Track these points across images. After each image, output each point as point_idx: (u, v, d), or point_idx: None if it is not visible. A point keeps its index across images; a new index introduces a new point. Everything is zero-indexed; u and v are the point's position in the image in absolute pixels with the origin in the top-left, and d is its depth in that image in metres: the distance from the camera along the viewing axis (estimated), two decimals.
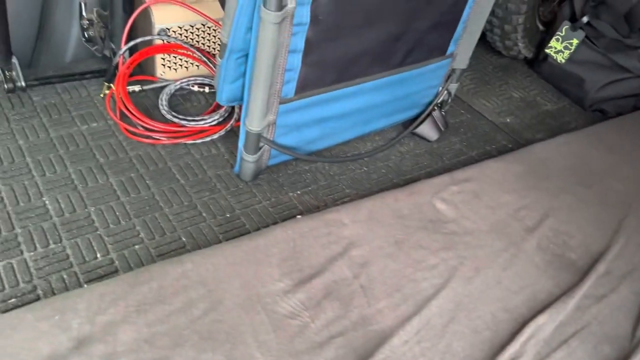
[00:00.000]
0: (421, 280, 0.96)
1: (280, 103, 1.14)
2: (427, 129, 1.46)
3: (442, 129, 1.47)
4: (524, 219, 1.12)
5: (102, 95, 1.38)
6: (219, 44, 1.47)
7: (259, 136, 1.16)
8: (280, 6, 0.95)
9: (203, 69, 1.48)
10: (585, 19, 1.58)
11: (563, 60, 1.66)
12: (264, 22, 0.96)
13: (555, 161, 1.29)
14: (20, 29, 1.51)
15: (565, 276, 1.03)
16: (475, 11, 1.33)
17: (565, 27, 1.63)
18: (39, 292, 0.93)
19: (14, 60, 1.31)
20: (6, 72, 1.30)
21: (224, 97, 1.12)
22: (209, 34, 1.44)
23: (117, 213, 1.10)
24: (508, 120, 1.61)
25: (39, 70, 1.43)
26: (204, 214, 1.14)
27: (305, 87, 1.15)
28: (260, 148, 1.19)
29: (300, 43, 1.06)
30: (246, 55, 1.06)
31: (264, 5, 0.94)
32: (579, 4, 1.62)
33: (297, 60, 1.09)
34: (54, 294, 0.93)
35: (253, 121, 1.11)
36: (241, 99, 1.15)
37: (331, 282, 0.93)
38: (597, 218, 1.16)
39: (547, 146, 1.34)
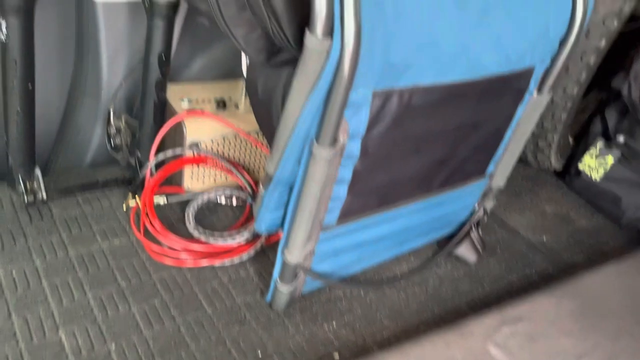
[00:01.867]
0: None
1: (322, 231, 1.07)
2: (465, 251, 1.38)
3: (481, 250, 1.40)
4: None
5: (125, 208, 1.31)
6: (263, 174, 1.43)
7: (297, 266, 1.07)
8: (334, 143, 0.90)
9: (230, 179, 1.42)
10: (621, 139, 1.55)
11: (597, 178, 1.62)
12: (316, 157, 0.90)
13: (609, 296, 1.21)
14: (41, 129, 1.46)
15: None
16: (516, 133, 1.30)
17: (599, 143, 1.60)
18: None
19: (37, 171, 1.25)
20: (27, 183, 1.24)
21: (263, 226, 1.05)
22: (239, 145, 1.39)
23: (140, 351, 1.00)
24: (544, 238, 1.54)
25: (61, 179, 1.36)
26: (233, 352, 1.04)
27: (347, 214, 1.09)
28: (295, 277, 1.10)
29: (347, 174, 1.01)
30: (291, 187, 1.00)
31: (317, 141, 0.89)
32: (612, 122, 1.60)
33: (342, 190, 1.03)
34: None
35: (294, 252, 1.04)
36: (280, 226, 1.07)
37: None
38: None
39: (597, 277, 1.27)
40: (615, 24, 1.31)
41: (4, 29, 1.05)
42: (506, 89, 1.15)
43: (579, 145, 1.74)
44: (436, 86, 0.99)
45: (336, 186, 1.00)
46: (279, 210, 1.04)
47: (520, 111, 1.25)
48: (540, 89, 1.24)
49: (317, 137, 0.89)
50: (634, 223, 1.61)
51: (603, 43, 1.34)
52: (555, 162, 1.70)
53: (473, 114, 1.12)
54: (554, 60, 1.19)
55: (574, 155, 1.74)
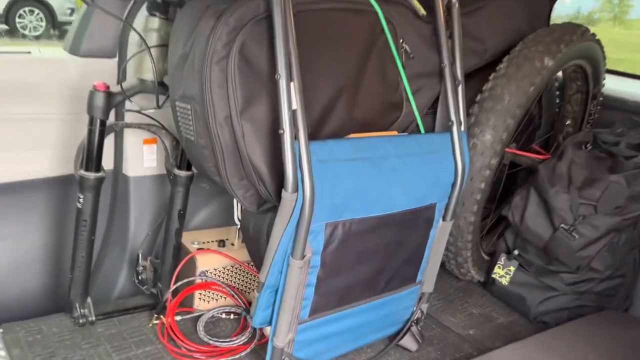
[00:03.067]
0: None
1: (298, 323, 1.53)
2: (408, 342, 1.83)
3: (420, 341, 1.85)
4: None
5: (151, 325, 1.75)
6: (256, 282, 1.91)
7: (282, 351, 1.51)
8: (302, 256, 1.41)
9: (229, 300, 1.88)
10: (516, 252, 2.10)
11: (506, 283, 2.13)
12: (292, 267, 1.41)
13: None
14: None
15: None
16: (433, 250, 1.83)
17: (503, 257, 2.14)
18: None
19: (89, 300, 1.71)
20: (81, 310, 1.68)
21: (257, 321, 1.51)
22: (236, 273, 1.88)
23: None
24: (471, 332, 2.00)
25: (101, 307, 1.80)
26: None
27: (315, 310, 1.56)
28: None
29: (313, 279, 1.50)
30: (276, 290, 1.48)
31: (292, 256, 1.41)
32: (510, 241, 2.16)
33: (310, 291, 1.51)
34: None
35: (279, 339, 1.49)
36: (269, 322, 1.53)
37: None
38: None
39: (504, 353, 1.72)
40: (488, 173, 1.93)
41: (81, 200, 1.59)
42: (417, 218, 1.70)
43: (492, 261, 2.27)
44: (366, 218, 1.53)
45: (306, 288, 1.49)
46: (268, 309, 1.51)
47: (432, 234, 1.79)
48: (444, 217, 1.80)
49: (292, 253, 1.41)
50: (539, 317, 2.10)
51: (483, 185, 1.94)
52: (475, 274, 2.22)
53: (396, 236, 1.66)
54: (449, 198, 1.77)
55: (491, 270, 2.26)
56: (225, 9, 1.33)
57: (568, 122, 2.48)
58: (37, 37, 10.35)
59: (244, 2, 1.34)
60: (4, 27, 10.29)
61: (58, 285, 1.88)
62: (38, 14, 10.28)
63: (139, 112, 1.65)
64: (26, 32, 10.29)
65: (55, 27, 10.80)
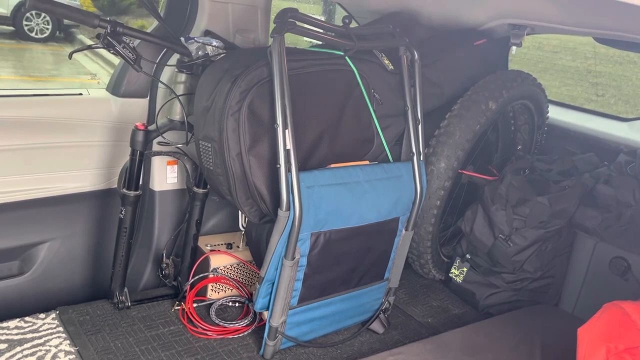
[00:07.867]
0: None
1: (289, 309, 2.00)
2: (377, 326, 2.30)
3: (386, 326, 2.33)
4: None
5: (173, 310, 2.22)
6: (256, 277, 2.38)
7: (276, 329, 1.99)
8: (293, 257, 1.88)
9: (235, 291, 2.35)
10: (468, 256, 2.57)
11: (460, 281, 2.61)
12: (285, 266, 1.88)
13: (454, 343, 2.14)
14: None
15: None
16: (398, 253, 2.30)
17: (458, 260, 2.62)
18: None
19: (126, 289, 2.17)
20: (120, 297, 2.15)
21: (258, 306, 1.98)
22: (241, 270, 2.35)
23: None
24: (429, 320, 2.48)
25: (132, 295, 2.27)
26: None
27: (303, 299, 2.03)
28: (276, 337, 2.01)
29: (301, 275, 1.97)
30: (273, 282, 1.95)
31: (285, 257, 1.88)
32: (464, 247, 2.63)
33: (299, 284, 1.98)
34: None
35: (275, 319, 1.96)
36: (267, 307, 2.00)
37: None
38: None
39: (452, 335, 2.20)
40: (442, 193, 2.40)
41: (122, 212, 2.05)
42: (384, 229, 2.18)
43: (451, 263, 2.75)
44: (342, 229, 2.01)
45: (296, 282, 1.96)
46: (267, 297, 1.98)
47: (397, 241, 2.26)
48: (406, 228, 2.27)
49: (285, 255, 1.87)
50: (486, 309, 2.57)
51: (439, 202, 2.41)
52: (436, 274, 2.69)
53: (367, 242, 2.13)
54: (410, 212, 2.24)
55: (448, 270, 2.74)
56: (238, 75, 1.80)
57: (519, 147, 2.96)
58: (44, 40, 10.81)
59: (252, 69, 1.82)
60: (10, 28, 10.74)
61: (97, 278, 2.34)
62: (44, 17, 10.71)
63: (167, 144, 2.11)
64: (33, 34, 10.74)
65: (61, 30, 11.26)
